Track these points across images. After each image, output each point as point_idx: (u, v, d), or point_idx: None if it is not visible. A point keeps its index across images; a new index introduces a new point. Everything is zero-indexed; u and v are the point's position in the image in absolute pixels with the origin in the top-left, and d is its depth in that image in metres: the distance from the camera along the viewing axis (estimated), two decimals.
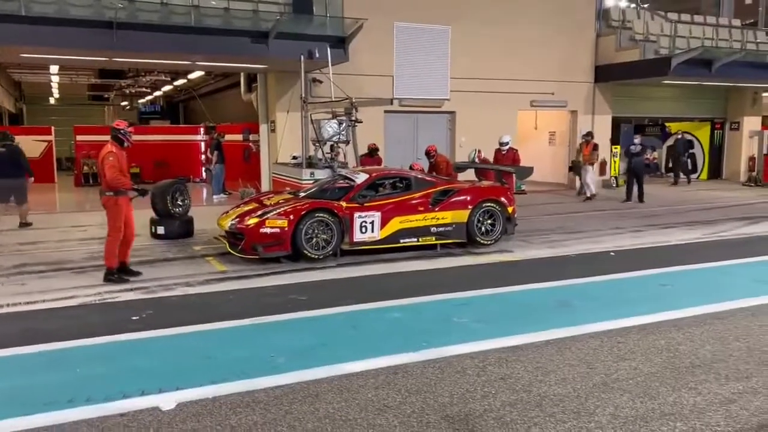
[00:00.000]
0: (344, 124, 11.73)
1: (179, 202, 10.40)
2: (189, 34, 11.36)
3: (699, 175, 22.06)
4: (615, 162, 19.44)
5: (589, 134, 15.98)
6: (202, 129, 22.35)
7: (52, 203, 16.47)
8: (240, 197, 13.55)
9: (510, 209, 9.48)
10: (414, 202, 8.92)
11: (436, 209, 9.00)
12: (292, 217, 8.09)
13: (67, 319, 5.99)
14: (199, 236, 10.31)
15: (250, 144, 16.92)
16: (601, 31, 18.77)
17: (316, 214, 8.23)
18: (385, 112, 15.98)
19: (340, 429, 3.79)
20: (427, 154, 12.29)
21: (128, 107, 32.06)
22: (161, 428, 3.78)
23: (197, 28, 11.42)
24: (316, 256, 8.24)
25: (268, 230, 8.03)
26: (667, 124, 23.43)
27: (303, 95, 11.89)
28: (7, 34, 10.24)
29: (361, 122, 12.13)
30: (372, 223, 8.58)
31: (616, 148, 19.62)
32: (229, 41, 11.79)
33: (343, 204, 8.48)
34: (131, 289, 7.02)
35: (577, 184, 17.08)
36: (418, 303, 6.51)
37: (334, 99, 11.66)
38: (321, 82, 15.02)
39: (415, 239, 8.91)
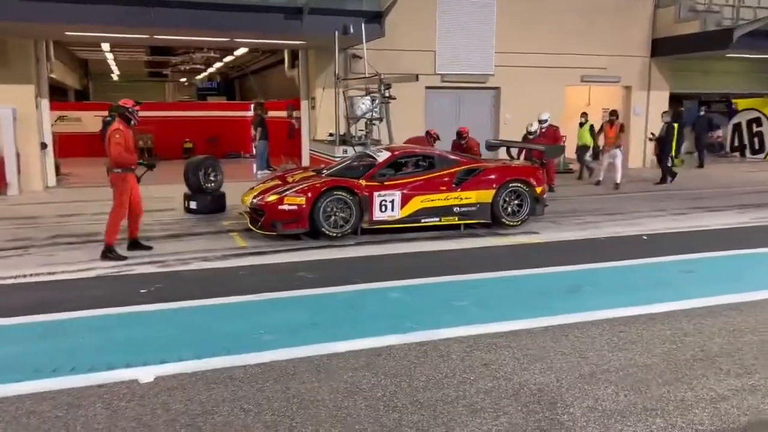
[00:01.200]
0: (377, 101, 11.63)
1: (211, 178, 10.58)
2: (223, 11, 11.40)
3: (766, 155, 20.81)
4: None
5: (614, 113, 14.19)
6: (252, 105, 22.69)
7: (102, 176, 16.97)
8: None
9: (539, 190, 9.19)
10: (436, 181, 8.77)
11: (460, 189, 8.81)
12: (310, 194, 8.09)
13: (80, 290, 6.21)
14: (230, 211, 10.49)
15: (293, 120, 17.04)
16: (659, 2, 17.79)
17: (335, 192, 8.21)
18: (427, 88, 15.73)
19: (305, 410, 3.78)
20: (459, 135, 12.03)
21: (186, 83, 32.84)
22: (133, 400, 3.87)
23: (231, 5, 11.45)
24: (335, 234, 8.24)
25: (286, 207, 8.07)
26: (733, 101, 22.18)
27: (336, 72, 11.81)
28: (52, 12, 10.55)
29: (395, 99, 11.98)
30: (392, 201, 8.49)
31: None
32: (264, 18, 11.80)
33: (363, 182, 8.42)
34: (149, 262, 7.21)
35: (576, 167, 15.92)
36: (423, 284, 6.42)
37: (367, 75, 11.52)
38: (361, 57, 14.91)
39: (437, 219, 8.78)
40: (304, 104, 15.55)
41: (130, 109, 7.39)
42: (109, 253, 7.29)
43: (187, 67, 24.31)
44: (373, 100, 11.62)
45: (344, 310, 5.65)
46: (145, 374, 4.20)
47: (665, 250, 7.97)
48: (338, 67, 11.97)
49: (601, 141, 14.94)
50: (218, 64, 24.40)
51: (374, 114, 11.66)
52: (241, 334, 4.97)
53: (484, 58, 16.08)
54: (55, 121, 22.48)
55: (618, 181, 13.52)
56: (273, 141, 17.90)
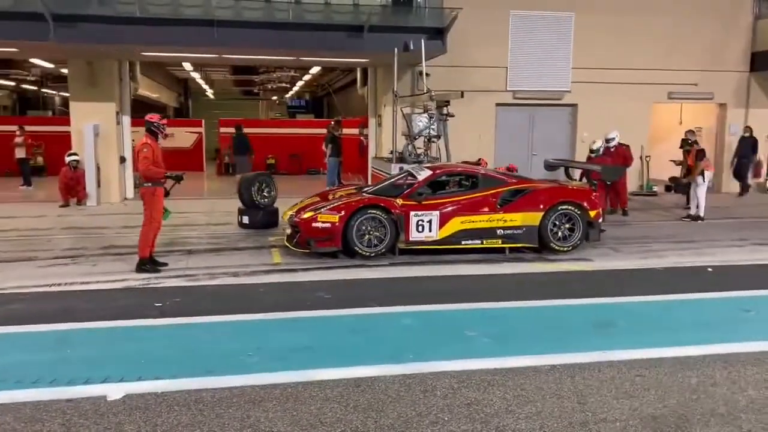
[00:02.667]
0: (434, 119, 11.39)
1: (265, 194, 10.72)
2: (285, 30, 11.61)
3: None
4: None
5: (691, 138, 12.39)
6: (332, 122, 23.09)
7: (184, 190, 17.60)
8: None
9: (593, 213, 8.57)
10: (478, 201, 8.38)
11: (504, 210, 8.38)
12: (343, 212, 7.96)
13: (103, 301, 6.37)
14: (282, 227, 10.54)
15: (361, 138, 17.09)
16: (760, 13, 16.38)
17: (369, 211, 8.03)
18: (498, 105, 15.30)
19: None
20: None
21: (277, 102, 33.93)
22: (91, 418, 3.83)
23: (293, 23, 11.65)
24: (368, 254, 8.05)
25: (320, 225, 7.98)
26: None
27: (395, 89, 11.69)
28: (125, 34, 11.16)
29: (453, 116, 11.71)
30: (429, 222, 8.19)
31: None
32: (326, 36, 11.90)
33: (399, 201, 8.18)
34: (180, 276, 7.32)
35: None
36: (440, 310, 6.09)
37: (417, 93, 11.33)
38: (428, 75, 14.74)
39: (479, 241, 8.38)
40: (372, 122, 15.53)
41: (155, 123, 7.52)
42: (143, 266, 7.46)
43: (274, 86, 25.05)
44: (430, 118, 11.39)
45: (346, 335, 5.43)
46: (116, 391, 4.16)
47: (729, 284, 7.15)
48: (397, 85, 11.82)
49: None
50: (300, 83, 24.98)
51: (431, 131, 11.42)
52: (229, 355, 4.87)
53: (559, 73, 15.44)
54: None
55: (692, 212, 11.68)
56: (346, 158, 18.05)
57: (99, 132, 13.43)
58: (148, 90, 21.54)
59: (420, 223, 8.19)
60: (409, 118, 11.52)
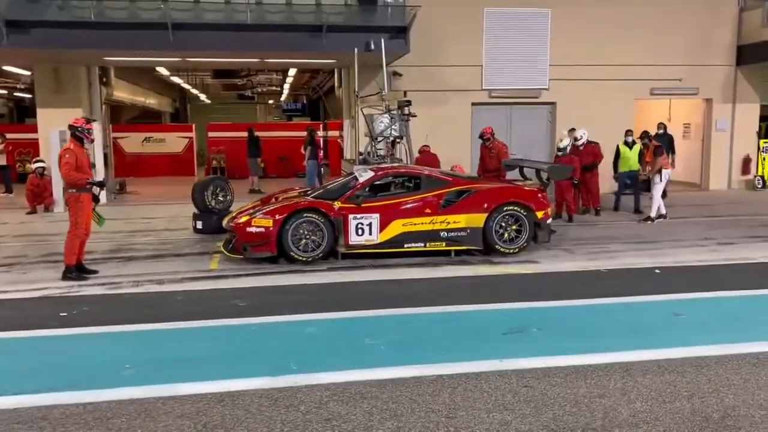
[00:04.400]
0: (395, 119, 11.14)
1: (220, 198, 10.53)
2: (245, 31, 11.46)
3: None
4: (764, 159, 16.48)
5: (646, 135, 11.65)
6: (321, 125, 22.98)
7: (160, 194, 17.52)
8: None
9: (540, 214, 8.26)
10: (420, 203, 8.12)
11: (447, 212, 8.11)
12: (277, 216, 7.74)
13: (11, 310, 6.23)
14: None
15: (339, 140, 16.90)
16: (745, 5, 15.92)
17: (305, 215, 7.80)
18: (473, 104, 15.01)
19: None
20: (481, 137, 11.14)
21: (274, 105, 33.85)
22: None
23: (253, 25, 11.48)
24: (304, 259, 7.82)
25: (254, 229, 7.77)
26: None
27: (356, 89, 11.46)
28: (82, 39, 11.08)
29: (415, 116, 11.45)
30: (369, 225, 7.95)
31: (766, 142, 16.65)
32: (286, 36, 11.73)
33: (337, 204, 7.95)
34: (101, 284, 7.13)
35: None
36: (350, 317, 5.84)
37: (373, 94, 11.12)
38: (401, 75, 14.53)
39: (422, 244, 8.11)
40: (346, 123, 15.33)
41: (79, 128, 7.32)
42: (68, 274, 7.26)
43: (264, 89, 24.93)
44: (391, 118, 11.15)
45: (239, 345, 5.20)
46: None
47: (670, 287, 6.83)
48: (362, 85, 11.60)
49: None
50: (286, 86, 24.84)
51: (393, 132, 11.17)
52: (105, 368, 4.66)
53: (536, 71, 15.14)
54: (142, 142, 23.98)
55: (652, 215, 11.01)
56: (331, 160, 17.91)
57: (66, 138, 13.32)
58: (134, 95, 21.55)
59: (360, 226, 7.95)
60: (370, 118, 11.27)
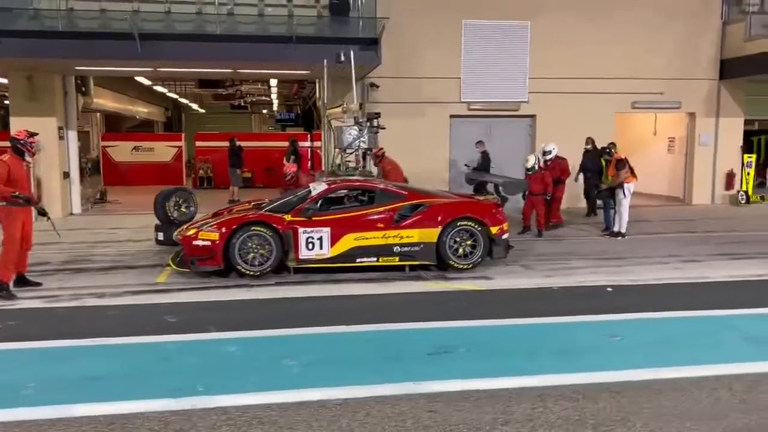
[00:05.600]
0: (365, 131, 11.03)
1: (183, 209, 10.39)
2: (215, 42, 11.38)
3: None
4: (748, 174, 16.28)
5: (609, 148, 11.40)
6: (308, 136, 22.96)
7: (139, 204, 17.41)
8: None
9: (494, 230, 8.12)
10: (373, 217, 7.99)
11: (401, 226, 7.97)
12: (224, 229, 7.63)
13: None
14: None
15: (318, 151, 16.83)
16: (728, 18, 15.79)
17: (252, 228, 7.68)
18: (452, 117, 14.90)
19: None
20: (375, 158, 10.95)
21: (269, 115, 33.86)
22: None
23: (223, 35, 11.42)
24: (251, 273, 7.69)
25: (200, 243, 7.65)
26: None
27: (325, 101, 11.38)
28: (50, 49, 11.04)
29: (384, 128, 11.33)
30: (320, 239, 7.82)
31: (750, 157, 16.48)
32: (256, 47, 11.64)
33: (287, 218, 7.83)
34: (40, 297, 7.01)
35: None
36: (275, 336, 5.72)
37: (336, 105, 11.03)
38: (378, 86, 14.45)
39: (375, 259, 7.98)
40: (323, 134, 15.21)
41: (21, 141, 7.10)
42: (1, 291, 7.02)
43: (254, 99, 24.93)
44: (360, 130, 11.04)
45: (156, 363, 5.07)
46: None
47: (615, 306, 6.67)
48: (326, 96, 11.53)
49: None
50: (274, 96, 24.82)
51: (361, 144, 11.05)
52: (5, 386, 4.54)
53: (516, 83, 15.01)
54: (131, 150, 23.98)
55: (622, 230, 10.78)
56: (318, 171, 17.79)
57: (40, 147, 13.28)
58: (118, 104, 21.57)
59: (310, 240, 7.83)
60: (339, 130, 11.17)
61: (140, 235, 11.32)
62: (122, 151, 23.73)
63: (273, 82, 20.14)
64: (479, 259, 8.11)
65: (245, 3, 12.25)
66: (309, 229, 7.81)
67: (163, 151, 24.36)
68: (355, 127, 11.08)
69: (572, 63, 14.88)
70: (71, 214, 14.32)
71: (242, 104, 29.56)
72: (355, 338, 5.65)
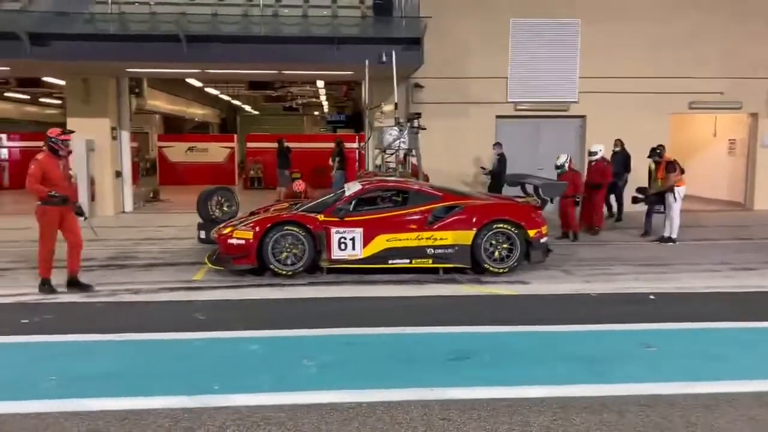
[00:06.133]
0: (405, 131, 10.94)
1: (225, 208, 10.55)
2: (259, 43, 11.51)
3: None
4: None
5: (658, 150, 10.71)
6: (357, 138, 23.05)
7: (190, 203, 17.76)
8: None
9: (532, 233, 7.87)
10: (406, 218, 7.88)
11: (435, 228, 7.83)
12: (257, 228, 7.66)
13: None
14: None
15: (362, 152, 16.83)
16: None
17: (285, 228, 7.69)
18: (498, 117, 14.63)
19: None
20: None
21: (320, 116, 34.17)
22: None
23: (267, 37, 11.54)
24: (284, 272, 7.70)
25: (235, 241, 7.72)
26: None
27: (367, 102, 11.34)
28: (100, 52, 11.40)
29: (424, 129, 11.21)
30: (352, 239, 7.76)
31: None
32: (299, 49, 11.70)
33: (320, 218, 7.80)
34: (78, 292, 7.18)
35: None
36: (297, 336, 5.67)
37: (372, 106, 10.94)
38: (422, 87, 14.32)
39: (408, 260, 7.86)
40: (366, 135, 15.21)
41: (53, 139, 7.05)
42: (42, 286, 7.17)
43: (304, 101, 25.19)
44: (400, 130, 10.95)
45: (177, 360, 5.09)
46: None
47: (658, 314, 6.35)
48: (368, 97, 11.48)
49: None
50: (323, 97, 24.98)
51: (401, 144, 10.96)
52: (30, 378, 4.65)
53: (565, 83, 14.62)
54: (185, 151, 24.63)
55: (673, 235, 10.31)
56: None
57: (93, 147, 13.78)
58: (172, 105, 22.13)
59: (342, 240, 7.78)
60: (380, 131, 11.13)
61: (184, 233, 11.54)
62: (177, 152, 24.39)
63: (320, 83, 20.24)
64: (515, 263, 7.89)
65: (290, 5, 12.36)
66: (341, 230, 7.76)
67: (216, 151, 24.92)
68: (396, 128, 11.01)
69: (625, 61, 14.39)
70: (123, 212, 14.77)
71: (294, 106, 29.94)
72: (377, 341, 5.55)
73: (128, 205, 15.03)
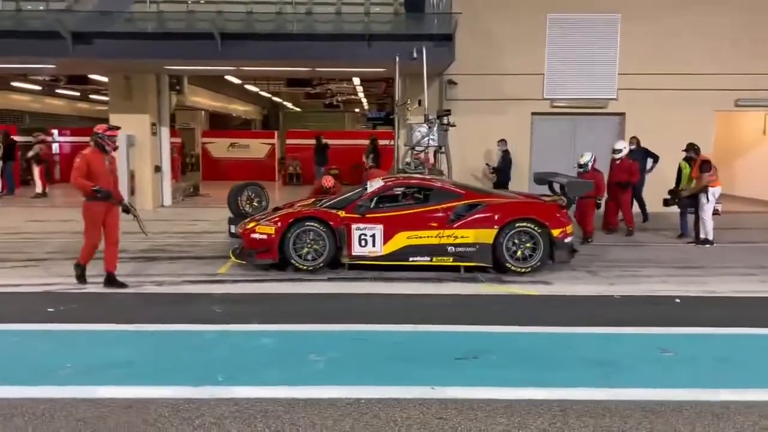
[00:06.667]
0: (434, 128, 10.88)
1: (255, 203, 10.70)
2: (292, 41, 11.64)
3: None
4: None
5: (692, 148, 10.56)
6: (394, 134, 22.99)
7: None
8: None
9: (556, 232, 7.73)
10: (426, 215, 7.85)
11: (456, 226, 7.78)
12: (279, 224, 7.76)
13: (7, 305, 6.59)
14: None
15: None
16: None
17: (306, 223, 7.76)
18: (533, 114, 14.41)
19: None
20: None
21: (360, 114, 34.30)
22: None
23: (300, 34, 11.66)
24: (305, 267, 7.78)
25: (257, 236, 7.83)
26: None
27: (397, 98, 11.32)
28: (139, 50, 11.72)
29: (454, 126, 11.13)
30: (373, 236, 7.78)
31: None
32: (331, 46, 11.77)
33: (341, 214, 7.84)
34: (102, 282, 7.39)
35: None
36: (308, 331, 5.73)
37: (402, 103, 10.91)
38: (455, 84, 14.21)
39: (428, 258, 7.83)
40: (396, 132, 15.18)
41: (99, 135, 7.13)
42: (77, 268, 7.29)
43: (342, 98, 25.33)
44: (429, 128, 10.89)
45: (188, 352, 5.20)
46: None
47: (680, 318, 6.18)
48: (399, 93, 11.48)
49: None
50: (360, 94, 25.05)
51: (431, 142, 10.91)
52: (46, 365, 4.81)
53: (603, 80, 14.29)
54: (227, 147, 25.08)
55: (709, 237, 9.95)
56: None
57: (134, 142, 14.18)
58: (213, 102, 22.53)
59: (363, 237, 7.81)
60: (409, 127, 11.10)
61: (216, 227, 11.76)
62: (220, 148, 24.83)
63: (356, 80, 20.31)
64: (538, 263, 7.77)
65: (323, 2, 12.44)
66: (362, 226, 7.79)
67: (257, 147, 25.25)
68: (425, 125, 10.96)
69: (666, 57, 13.99)
70: (161, 206, 15.15)
71: (334, 103, 30.12)
72: (387, 338, 5.55)
73: (167, 200, 15.40)
